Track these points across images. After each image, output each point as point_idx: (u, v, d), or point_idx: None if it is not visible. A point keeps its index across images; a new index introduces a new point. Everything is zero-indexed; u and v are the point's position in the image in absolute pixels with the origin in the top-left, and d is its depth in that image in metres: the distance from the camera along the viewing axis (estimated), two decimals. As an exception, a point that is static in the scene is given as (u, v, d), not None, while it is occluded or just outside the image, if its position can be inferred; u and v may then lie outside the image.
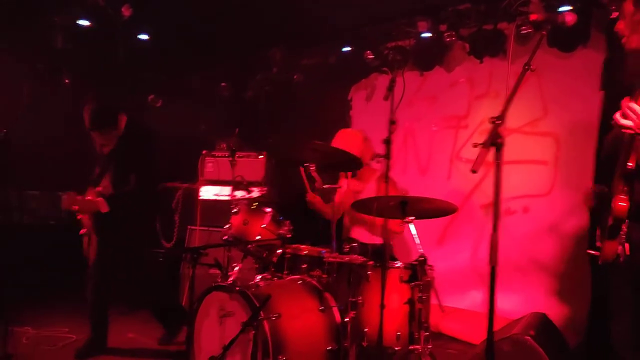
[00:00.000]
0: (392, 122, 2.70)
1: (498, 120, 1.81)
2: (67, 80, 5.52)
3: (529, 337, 2.98)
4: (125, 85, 5.35)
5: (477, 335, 4.36)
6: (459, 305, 4.69)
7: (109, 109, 3.81)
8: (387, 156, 2.65)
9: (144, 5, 4.77)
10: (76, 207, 3.77)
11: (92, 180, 3.87)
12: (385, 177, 2.69)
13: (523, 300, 4.36)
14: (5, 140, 3.24)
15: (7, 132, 3.25)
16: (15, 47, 4.68)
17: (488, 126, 1.98)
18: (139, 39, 5.39)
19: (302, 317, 2.95)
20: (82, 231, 3.97)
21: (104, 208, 3.73)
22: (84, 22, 4.85)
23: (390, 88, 2.90)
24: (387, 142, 2.64)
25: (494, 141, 1.78)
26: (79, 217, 3.92)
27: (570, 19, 2.89)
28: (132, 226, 3.87)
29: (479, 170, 1.73)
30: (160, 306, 4.18)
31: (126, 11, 4.61)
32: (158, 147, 4.04)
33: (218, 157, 5.22)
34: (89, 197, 3.74)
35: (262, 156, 5.08)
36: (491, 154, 1.86)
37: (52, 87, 5.20)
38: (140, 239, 4.01)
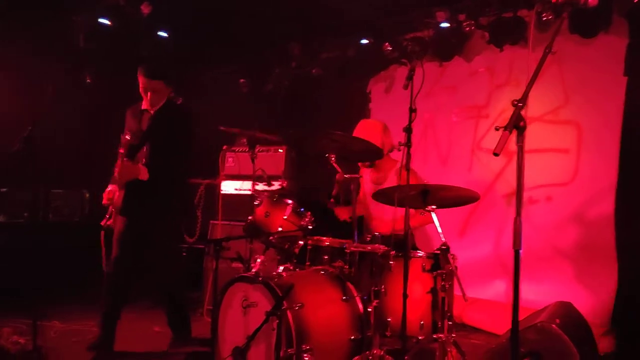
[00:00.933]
0: (413, 110, 2.69)
1: (520, 103, 1.79)
2: (88, 80, 5.62)
3: (554, 325, 2.96)
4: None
5: (500, 326, 4.33)
6: (482, 296, 4.67)
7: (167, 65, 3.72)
8: (408, 144, 2.64)
9: (162, 2, 4.82)
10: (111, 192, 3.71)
11: (126, 154, 3.68)
12: (407, 166, 2.68)
13: (547, 290, 4.31)
14: (31, 136, 3.29)
15: (32, 128, 3.29)
16: (39, 47, 4.76)
17: (509, 115, 1.98)
18: (159, 36, 5.44)
19: (325, 307, 2.96)
20: (106, 221, 3.83)
21: (145, 175, 3.60)
22: (104, 21, 4.91)
23: (410, 77, 2.89)
24: (408, 130, 2.64)
25: (517, 124, 1.76)
26: (109, 198, 3.77)
27: (593, 1, 2.84)
28: (162, 213, 3.75)
29: (500, 153, 1.71)
30: (173, 306, 4.02)
31: (145, 8, 4.66)
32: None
33: (238, 151, 5.26)
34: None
35: (281, 150, 5.11)
36: (513, 139, 1.85)
37: (75, 86, 5.28)
38: (169, 230, 3.89)
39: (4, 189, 5.63)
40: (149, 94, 3.72)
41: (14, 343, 3.42)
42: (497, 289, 4.69)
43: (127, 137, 3.62)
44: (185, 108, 3.99)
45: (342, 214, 3.96)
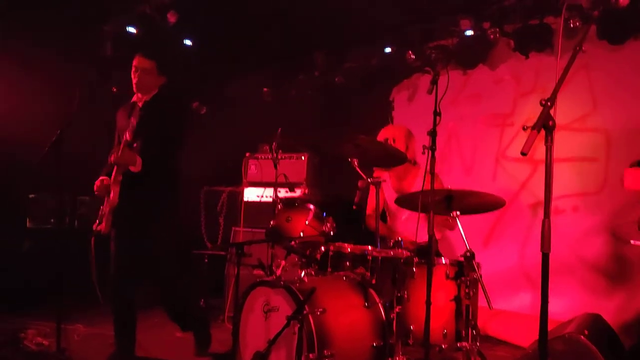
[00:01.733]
0: (437, 114, 2.66)
1: (548, 102, 1.75)
2: (114, 89, 5.70)
3: (583, 336, 2.88)
4: (171, 91, 5.47)
5: (525, 338, 4.24)
6: (507, 307, 4.57)
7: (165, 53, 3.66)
8: (432, 148, 2.61)
9: (188, 12, 4.88)
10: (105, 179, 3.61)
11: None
12: (431, 170, 2.65)
13: (574, 302, 4.22)
14: (60, 139, 3.33)
15: (61, 132, 3.34)
16: (68, 55, 4.86)
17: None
18: (184, 45, 5.51)
19: (347, 313, 2.92)
20: (97, 225, 3.68)
21: (138, 166, 3.48)
22: (132, 30, 4.99)
23: (434, 81, 2.86)
24: (432, 133, 2.61)
25: (545, 124, 1.73)
26: (99, 187, 3.65)
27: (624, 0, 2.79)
28: (157, 212, 3.62)
29: (528, 153, 1.68)
30: (184, 315, 3.92)
31: (172, 17, 4.73)
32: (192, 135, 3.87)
33: (261, 159, 5.29)
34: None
35: (303, 157, 5.11)
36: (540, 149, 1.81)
37: (102, 94, 5.36)
38: (165, 230, 3.71)
39: (33, 195, 5.73)
40: (137, 74, 3.63)
41: (38, 344, 3.45)
42: (522, 301, 4.60)
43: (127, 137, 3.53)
44: (176, 98, 3.86)
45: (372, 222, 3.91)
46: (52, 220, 5.84)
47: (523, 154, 1.68)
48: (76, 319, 4.46)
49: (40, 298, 4.26)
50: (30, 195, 5.75)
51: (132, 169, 3.49)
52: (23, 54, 4.85)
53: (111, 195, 3.60)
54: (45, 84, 5.00)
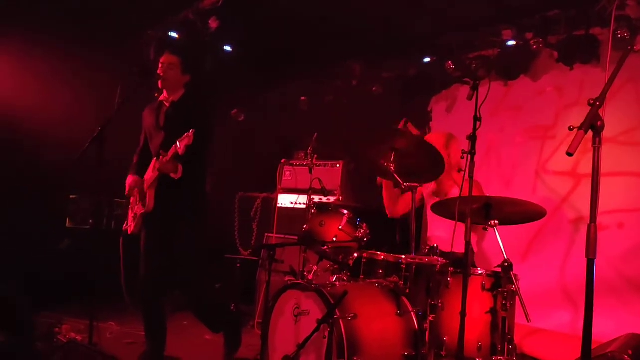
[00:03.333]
0: (478, 119, 2.60)
1: (597, 102, 1.68)
2: (156, 94, 5.81)
3: (627, 356, 2.74)
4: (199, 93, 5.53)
5: (563, 358, 4.08)
6: (545, 326, 4.40)
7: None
8: (472, 152, 2.55)
9: (229, 18, 4.95)
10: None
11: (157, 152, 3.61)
12: (470, 173, 2.58)
13: (617, 322, 4.02)
14: (100, 137, 3.39)
15: (102, 129, 3.39)
16: (112, 57, 4.98)
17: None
18: (224, 51, 5.59)
19: (378, 320, 2.87)
20: (130, 225, 3.75)
21: (180, 173, 3.50)
22: (173, 35, 5.08)
23: (475, 87, 2.81)
24: (472, 137, 2.55)
25: (593, 124, 1.66)
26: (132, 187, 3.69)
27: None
28: (185, 213, 3.63)
29: (574, 154, 1.61)
30: (213, 317, 3.91)
31: (213, 23, 4.80)
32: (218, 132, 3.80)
33: (296, 165, 5.29)
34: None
35: (339, 165, 5.09)
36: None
37: (142, 97, 5.45)
38: (191, 232, 3.70)
39: (74, 196, 5.87)
40: (164, 71, 3.65)
41: (71, 340, 3.50)
42: (561, 320, 4.42)
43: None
44: (204, 98, 3.85)
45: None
46: (90, 221, 5.97)
47: (569, 154, 1.61)
48: (110, 318, 4.53)
49: (76, 296, 4.32)
50: (71, 196, 5.88)
51: (172, 175, 3.53)
52: (66, 56, 4.98)
53: (147, 198, 3.65)
54: (88, 86, 5.13)
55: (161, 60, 3.70)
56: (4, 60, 4.95)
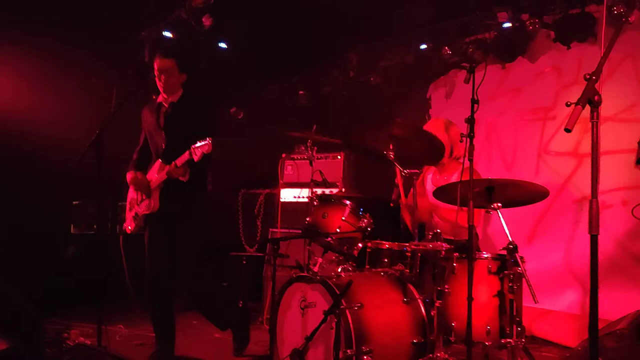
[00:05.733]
0: (475, 102, 2.58)
1: (593, 77, 1.66)
2: (154, 97, 5.80)
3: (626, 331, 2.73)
4: (208, 96, 5.53)
5: (573, 338, 4.08)
6: (553, 307, 4.39)
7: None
8: (470, 135, 2.53)
9: (222, 15, 4.93)
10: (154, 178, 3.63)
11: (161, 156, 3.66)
12: (469, 156, 2.56)
13: (624, 300, 4.00)
14: (99, 140, 3.37)
15: (100, 133, 3.38)
16: (107, 61, 4.98)
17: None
18: (219, 48, 5.56)
19: (385, 308, 2.86)
20: (129, 224, 3.78)
21: (188, 176, 3.53)
22: (168, 34, 5.06)
23: (471, 70, 2.78)
24: (470, 120, 2.53)
25: (590, 98, 1.64)
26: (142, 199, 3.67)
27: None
28: (187, 215, 3.64)
29: (572, 129, 1.59)
30: (220, 314, 3.93)
31: (207, 21, 4.78)
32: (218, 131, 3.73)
33: (297, 159, 5.28)
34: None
35: (339, 156, 5.08)
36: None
37: (139, 99, 5.44)
38: (195, 233, 3.72)
39: (77, 202, 5.88)
40: (162, 77, 3.63)
41: (79, 343, 3.50)
42: (569, 300, 4.40)
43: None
44: (203, 98, 3.85)
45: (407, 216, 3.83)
46: (94, 226, 5.98)
47: (567, 130, 1.59)
48: (118, 321, 4.53)
49: (84, 301, 4.33)
50: (74, 202, 5.89)
51: (181, 178, 3.54)
52: (62, 60, 4.97)
53: (151, 200, 3.66)
54: (85, 90, 5.12)
55: (156, 67, 3.66)
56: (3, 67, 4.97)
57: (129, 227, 3.77)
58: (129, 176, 3.75)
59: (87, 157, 3.44)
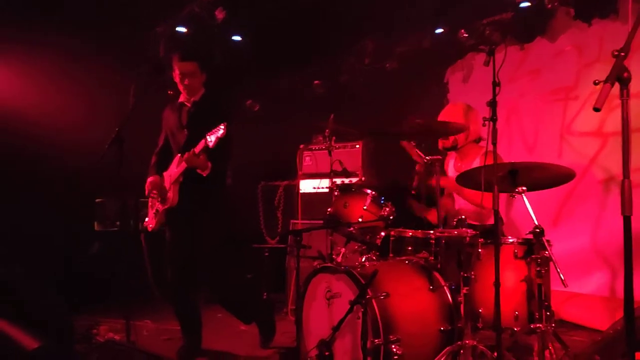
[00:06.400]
0: (497, 84, 2.53)
1: (622, 53, 1.61)
2: (170, 92, 5.82)
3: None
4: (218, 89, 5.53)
5: (603, 321, 4.00)
6: (581, 291, 4.33)
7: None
8: (493, 118, 2.48)
9: (235, 8, 4.92)
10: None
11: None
12: (493, 140, 2.51)
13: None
14: (119, 139, 3.40)
15: (120, 130, 3.40)
16: (124, 58, 5.00)
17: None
18: (233, 41, 5.55)
19: (411, 297, 2.84)
20: (150, 222, 3.80)
21: (208, 170, 3.54)
22: (182, 29, 5.07)
23: (491, 52, 2.72)
24: (492, 104, 2.48)
25: (619, 75, 1.59)
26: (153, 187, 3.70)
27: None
28: (208, 210, 3.66)
29: (602, 108, 1.54)
30: (244, 308, 3.97)
31: (220, 14, 4.77)
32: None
33: (315, 150, 5.26)
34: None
35: (358, 145, 5.04)
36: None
37: (157, 96, 5.47)
38: (217, 228, 3.75)
39: (100, 199, 5.95)
40: (185, 80, 3.65)
41: (109, 339, 3.55)
42: (598, 283, 4.33)
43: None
44: (224, 93, 3.92)
45: (419, 210, 3.78)
46: (117, 222, 6.04)
47: (596, 109, 1.55)
48: (145, 316, 4.59)
49: (110, 297, 4.39)
50: (97, 200, 5.96)
51: (200, 172, 3.55)
52: (80, 60, 5.01)
53: (170, 194, 3.67)
54: (103, 88, 5.15)
55: (177, 70, 3.67)
56: (24, 71, 5.04)
57: (150, 225, 3.80)
58: (148, 180, 3.77)
59: (109, 155, 3.48)
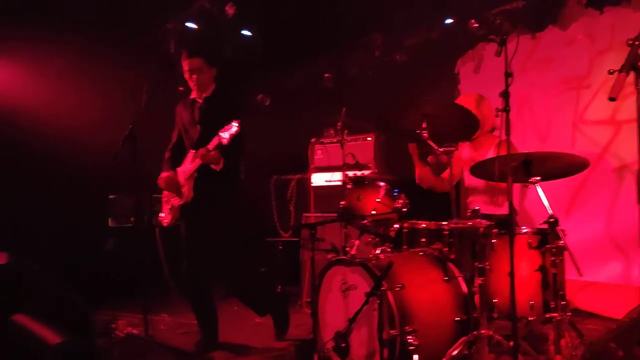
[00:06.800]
0: (509, 75, 2.53)
1: (637, 42, 1.61)
2: (181, 88, 5.85)
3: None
4: (238, 85, 5.55)
5: (618, 309, 3.99)
6: (595, 279, 4.32)
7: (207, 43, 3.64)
8: (506, 109, 2.49)
9: (245, 3, 4.93)
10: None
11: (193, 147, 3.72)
12: (506, 131, 2.51)
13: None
14: (133, 136, 3.44)
15: (133, 128, 3.44)
16: (135, 55, 5.04)
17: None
18: (243, 36, 5.57)
19: (426, 288, 2.86)
20: (165, 217, 3.83)
21: (222, 165, 3.59)
22: (192, 26, 5.09)
23: (502, 42, 2.71)
24: (505, 95, 2.48)
25: (634, 65, 1.59)
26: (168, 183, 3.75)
27: None
28: (222, 205, 3.69)
29: (617, 98, 1.55)
30: (258, 300, 4.02)
31: (230, 9, 4.78)
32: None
33: (326, 143, 5.27)
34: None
35: (370, 138, 5.05)
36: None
37: (168, 92, 5.51)
38: (230, 222, 3.79)
39: (113, 196, 6.01)
40: (194, 76, 3.69)
41: (128, 334, 3.61)
42: (612, 271, 4.33)
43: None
44: (235, 88, 3.90)
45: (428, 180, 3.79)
46: (131, 218, 6.10)
47: (612, 99, 1.55)
48: (161, 310, 4.64)
49: (127, 292, 4.44)
50: (110, 197, 6.02)
51: (214, 167, 3.59)
52: (93, 59, 5.06)
53: (184, 189, 3.70)
54: (116, 86, 5.20)
55: (185, 67, 3.72)
56: (38, 71, 5.10)
57: (166, 220, 3.84)
58: (162, 175, 3.80)
59: (122, 152, 3.53)
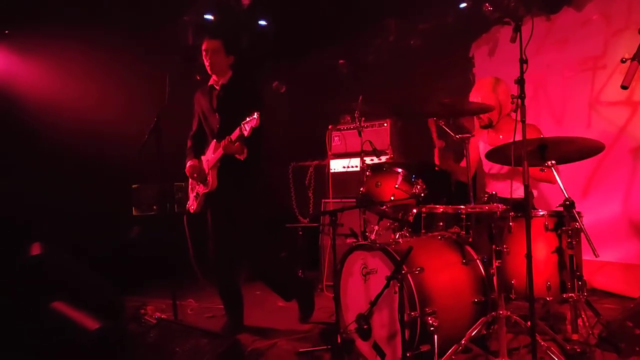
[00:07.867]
0: (524, 61, 2.57)
1: (647, 31, 1.65)
2: (198, 77, 5.94)
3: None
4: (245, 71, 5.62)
5: (634, 289, 4.06)
6: (612, 259, 4.37)
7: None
8: (521, 96, 2.54)
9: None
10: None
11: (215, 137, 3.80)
12: (522, 117, 2.57)
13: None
14: (157, 127, 3.54)
15: (158, 120, 3.55)
16: (156, 47, 5.13)
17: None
18: (260, 25, 5.63)
19: (445, 270, 2.94)
20: (191, 205, 3.93)
21: (245, 154, 3.66)
22: (209, 17, 5.16)
23: (517, 28, 2.75)
24: (520, 81, 2.53)
25: (645, 53, 1.64)
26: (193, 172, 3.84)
27: None
28: (246, 192, 3.79)
29: (629, 86, 1.60)
30: (284, 285, 4.09)
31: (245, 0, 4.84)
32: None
33: (344, 129, 5.34)
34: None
35: (386, 124, 5.11)
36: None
37: (187, 82, 5.60)
38: (254, 209, 3.87)
39: (136, 185, 6.16)
40: (208, 56, 3.75)
41: (157, 319, 3.74)
42: (629, 251, 4.36)
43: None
44: (252, 77, 3.98)
45: (445, 162, 3.84)
46: (154, 207, 6.25)
47: (624, 87, 1.61)
48: (188, 295, 4.78)
49: (153, 278, 4.58)
50: (133, 186, 6.17)
51: (238, 156, 3.68)
52: (116, 52, 5.17)
53: (210, 178, 3.82)
54: (139, 79, 5.31)
55: (204, 48, 3.79)
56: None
57: (192, 207, 3.96)
58: (187, 164, 3.90)
59: (148, 144, 3.64)
